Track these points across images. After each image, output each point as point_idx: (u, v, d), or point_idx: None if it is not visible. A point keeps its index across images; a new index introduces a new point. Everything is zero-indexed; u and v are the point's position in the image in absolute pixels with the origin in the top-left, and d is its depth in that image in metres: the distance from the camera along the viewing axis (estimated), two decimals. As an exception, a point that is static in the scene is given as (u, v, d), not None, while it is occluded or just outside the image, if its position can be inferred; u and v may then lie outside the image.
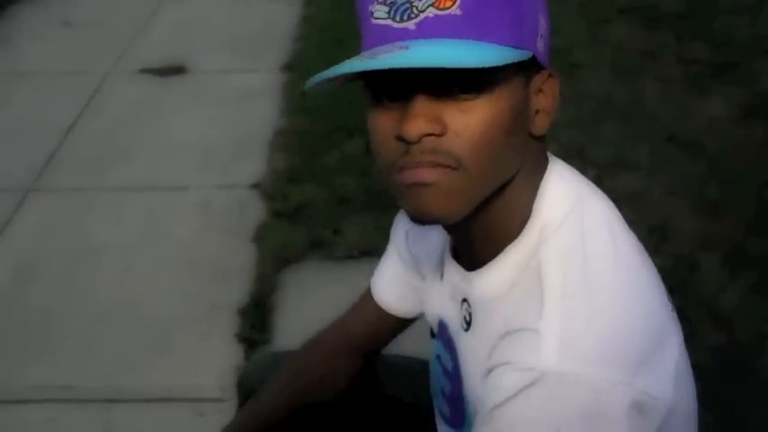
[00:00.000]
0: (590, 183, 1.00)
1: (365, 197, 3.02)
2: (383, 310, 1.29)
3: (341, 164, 3.29)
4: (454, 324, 1.05)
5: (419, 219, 0.91)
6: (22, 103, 4.08)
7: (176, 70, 4.32)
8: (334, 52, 3.98)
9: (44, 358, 2.45)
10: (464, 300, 1.02)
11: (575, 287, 0.88)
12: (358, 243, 2.80)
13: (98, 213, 3.17)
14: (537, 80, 0.93)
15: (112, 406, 2.29)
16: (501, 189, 0.93)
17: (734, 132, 3.37)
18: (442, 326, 1.09)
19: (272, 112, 3.86)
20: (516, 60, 0.86)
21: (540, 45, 0.92)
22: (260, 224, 3.02)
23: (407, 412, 1.34)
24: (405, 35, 0.86)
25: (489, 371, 0.90)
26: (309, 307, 2.54)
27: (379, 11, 0.87)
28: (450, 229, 1.00)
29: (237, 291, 2.68)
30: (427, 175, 0.87)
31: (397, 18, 0.86)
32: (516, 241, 0.95)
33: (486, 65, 0.82)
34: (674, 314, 0.96)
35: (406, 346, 1.42)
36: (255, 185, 3.27)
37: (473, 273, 0.99)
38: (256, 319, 2.56)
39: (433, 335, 1.16)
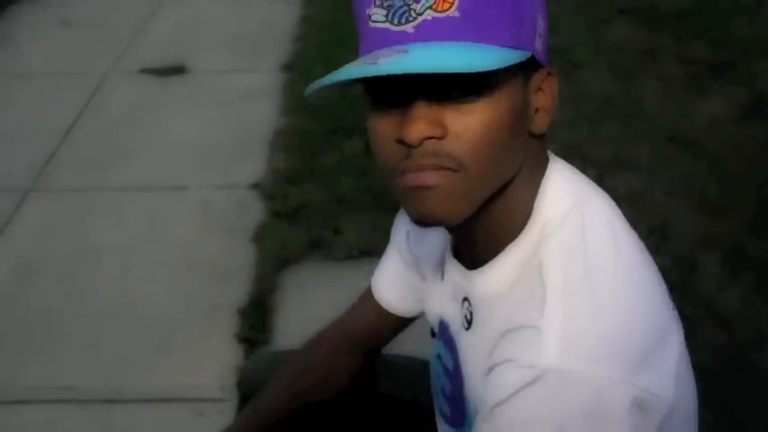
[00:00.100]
0: (590, 181, 1.00)
1: (365, 197, 3.02)
2: (383, 309, 1.29)
3: (340, 164, 3.29)
4: (455, 323, 1.05)
5: (422, 221, 0.91)
6: (21, 103, 4.08)
7: (176, 70, 4.32)
8: (333, 52, 3.99)
9: (44, 358, 2.45)
10: (465, 299, 1.02)
11: (576, 285, 0.88)
12: (357, 243, 2.80)
13: (98, 213, 3.17)
14: (536, 79, 0.92)
15: (112, 406, 2.29)
16: (502, 188, 0.93)
17: (734, 132, 3.37)
18: (443, 325, 1.09)
19: (271, 112, 3.86)
20: (516, 62, 0.86)
21: (539, 44, 0.92)
22: (260, 224, 3.02)
23: (408, 412, 1.34)
24: (403, 38, 0.86)
25: (490, 369, 0.90)
26: (309, 307, 2.54)
27: (377, 14, 0.87)
28: (451, 229, 1.01)
29: (237, 291, 2.68)
30: (429, 178, 0.87)
31: (395, 21, 0.86)
32: (517, 240, 0.95)
33: (486, 69, 0.82)
34: (676, 313, 0.96)
35: (407, 345, 1.42)
36: (255, 185, 3.27)
37: (474, 271, 0.99)
38: (256, 319, 2.56)
39: (433, 334, 1.16)
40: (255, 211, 3.11)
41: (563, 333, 0.85)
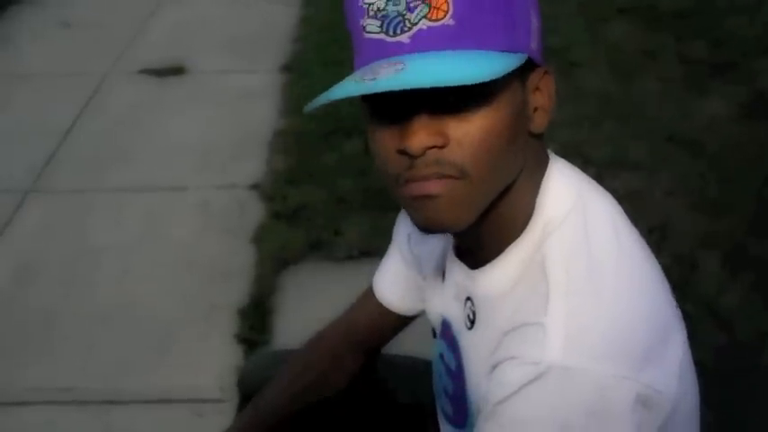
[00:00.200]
0: (591, 180, 1.00)
1: (364, 197, 3.02)
2: (384, 307, 1.29)
3: (340, 164, 3.29)
4: (457, 323, 1.05)
5: (428, 229, 0.92)
6: (21, 104, 4.08)
7: (175, 71, 4.31)
8: (332, 53, 3.99)
9: (44, 360, 2.45)
10: (468, 298, 1.02)
11: (579, 283, 0.88)
12: (357, 243, 2.80)
13: (97, 214, 3.16)
14: (533, 79, 0.92)
15: (112, 407, 2.29)
16: (504, 190, 0.93)
17: (734, 131, 3.37)
18: (446, 325, 1.09)
19: (270, 112, 3.86)
20: (514, 67, 0.86)
21: (534, 43, 0.92)
22: (259, 225, 3.02)
23: (410, 412, 1.34)
24: (399, 49, 0.85)
25: (493, 367, 0.90)
26: (309, 308, 2.54)
27: (371, 25, 0.86)
28: (455, 232, 1.00)
29: (237, 291, 2.68)
30: (433, 187, 0.87)
31: (390, 32, 0.85)
32: (519, 239, 0.95)
33: (485, 79, 0.82)
34: (678, 311, 0.96)
35: (407, 345, 1.42)
36: (254, 186, 3.27)
37: (476, 271, 0.99)
38: (256, 319, 2.56)
39: (434, 334, 1.16)
40: (255, 211, 3.11)
41: (566, 330, 0.85)
